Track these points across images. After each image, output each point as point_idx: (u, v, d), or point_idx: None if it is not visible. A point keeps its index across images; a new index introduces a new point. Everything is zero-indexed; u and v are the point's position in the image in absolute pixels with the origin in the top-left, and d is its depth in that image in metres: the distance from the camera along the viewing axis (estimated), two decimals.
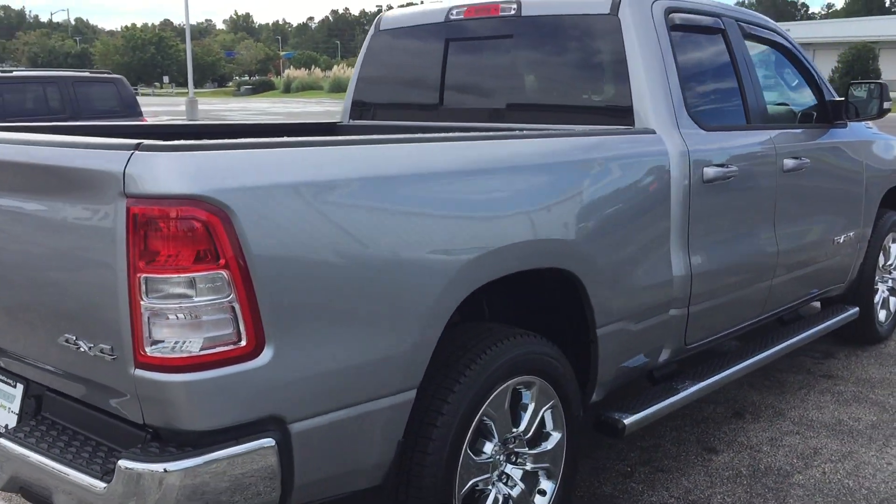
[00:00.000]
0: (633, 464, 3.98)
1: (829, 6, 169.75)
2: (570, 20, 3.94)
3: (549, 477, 3.19)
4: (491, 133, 3.09)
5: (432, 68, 4.41)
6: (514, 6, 4.08)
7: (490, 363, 2.83)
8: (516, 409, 3.07)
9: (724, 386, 4.80)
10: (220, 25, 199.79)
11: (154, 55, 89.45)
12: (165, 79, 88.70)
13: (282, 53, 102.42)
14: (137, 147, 2.10)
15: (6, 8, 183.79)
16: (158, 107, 49.81)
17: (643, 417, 3.53)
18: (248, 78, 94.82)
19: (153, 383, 2.16)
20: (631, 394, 3.72)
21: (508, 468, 3.07)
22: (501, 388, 2.90)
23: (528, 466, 3.11)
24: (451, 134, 2.92)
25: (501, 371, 2.87)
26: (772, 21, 4.79)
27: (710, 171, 3.75)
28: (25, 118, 10.33)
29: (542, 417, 3.15)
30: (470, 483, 2.85)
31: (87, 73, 12.11)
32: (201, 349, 2.15)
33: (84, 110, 11.12)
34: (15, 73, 11.23)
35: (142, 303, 2.12)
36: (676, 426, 4.39)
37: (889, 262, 5.79)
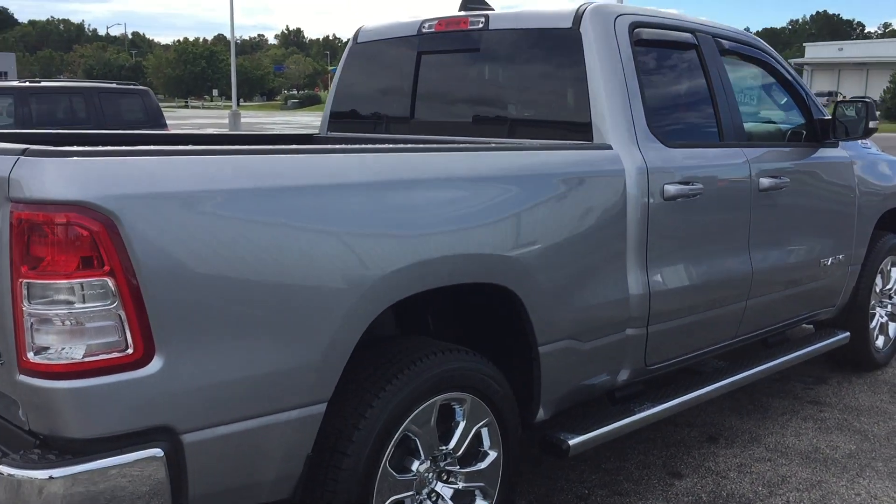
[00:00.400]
0: (592, 486, 3.89)
1: (886, 25, 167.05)
2: (534, 34, 3.89)
3: (484, 497, 3.13)
4: (419, 146, 3.05)
5: (405, 81, 4.39)
6: (483, 20, 4.05)
7: (413, 378, 2.78)
8: (449, 425, 3.02)
9: (703, 409, 4.72)
10: (272, 41, 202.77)
11: (205, 69, 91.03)
12: (215, 92, 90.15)
13: (330, 68, 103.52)
14: (24, 152, 2.11)
15: (66, 22, 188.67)
16: (204, 119, 50.64)
17: (590, 439, 3.45)
18: (295, 92, 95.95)
19: (36, 389, 2.15)
20: (584, 413, 3.65)
21: (439, 486, 3.01)
22: (427, 404, 2.85)
23: (460, 485, 3.05)
24: (363, 146, 2.88)
25: (426, 387, 2.82)
26: (756, 38, 4.69)
27: (671, 189, 3.67)
28: (51, 127, 10.52)
29: (477, 435, 3.09)
30: (391, 500, 2.81)
31: (113, 85, 12.34)
32: (85, 356, 2.14)
33: (109, 120, 11.31)
34: (42, 84, 11.47)
35: (24, 308, 2.12)
36: (645, 449, 4.29)
37: (888, 287, 5.62)
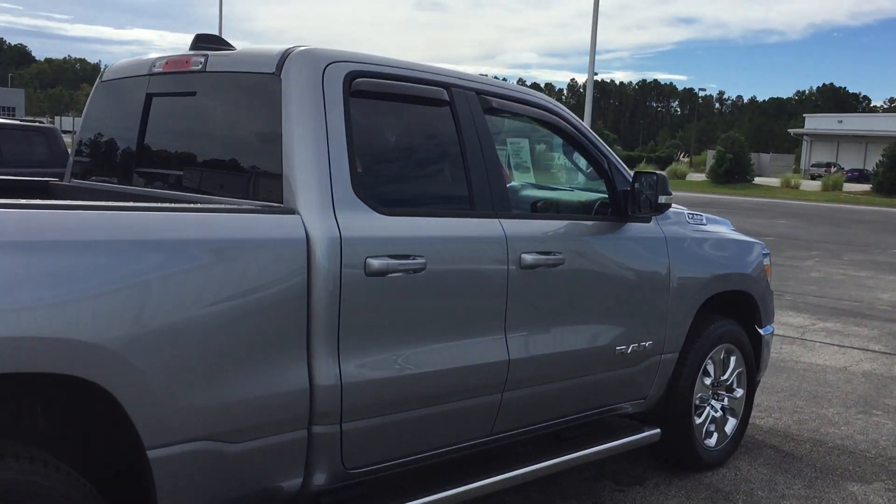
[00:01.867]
0: None
1: (892, 100, 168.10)
2: (242, 79, 3.41)
3: None
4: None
5: (133, 125, 3.89)
6: (202, 61, 3.57)
7: None
8: None
9: None
10: None
11: None
12: None
13: None
14: None
15: (82, 61, 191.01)
16: None
17: None
18: None
19: None
20: None
21: None
22: None
23: None
24: None
25: None
26: (544, 97, 4.17)
27: (376, 263, 3.14)
28: None
29: None
30: None
31: (16, 122, 11.91)
32: None
33: (7, 158, 10.84)
34: None
35: None
36: None
37: (724, 378, 5.03)
